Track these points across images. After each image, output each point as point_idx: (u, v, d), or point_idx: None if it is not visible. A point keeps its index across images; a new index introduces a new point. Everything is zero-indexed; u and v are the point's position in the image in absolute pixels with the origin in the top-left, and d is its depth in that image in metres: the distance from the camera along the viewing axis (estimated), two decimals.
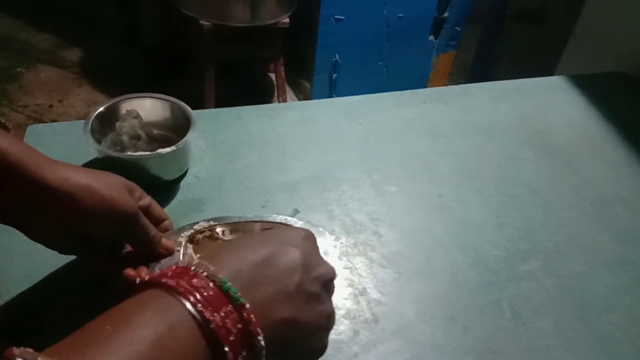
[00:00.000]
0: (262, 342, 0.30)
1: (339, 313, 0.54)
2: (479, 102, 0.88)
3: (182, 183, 0.67)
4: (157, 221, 0.52)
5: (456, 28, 2.09)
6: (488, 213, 0.68)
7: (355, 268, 0.59)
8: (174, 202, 0.64)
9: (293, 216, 0.64)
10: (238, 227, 0.56)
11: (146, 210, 0.50)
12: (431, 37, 2.07)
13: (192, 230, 0.54)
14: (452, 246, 0.63)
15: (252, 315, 0.30)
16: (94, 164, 0.65)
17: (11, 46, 2.31)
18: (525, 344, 0.53)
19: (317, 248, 0.40)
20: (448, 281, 0.59)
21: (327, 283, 0.38)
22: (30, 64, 2.23)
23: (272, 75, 2.11)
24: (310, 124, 0.79)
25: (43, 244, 0.45)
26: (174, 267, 0.32)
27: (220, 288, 0.30)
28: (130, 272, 0.47)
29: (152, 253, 0.49)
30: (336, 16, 1.87)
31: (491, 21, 1.96)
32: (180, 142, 0.62)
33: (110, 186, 0.45)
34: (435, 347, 0.52)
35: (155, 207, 0.52)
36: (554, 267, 0.62)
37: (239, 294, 0.30)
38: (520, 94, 0.90)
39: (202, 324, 0.29)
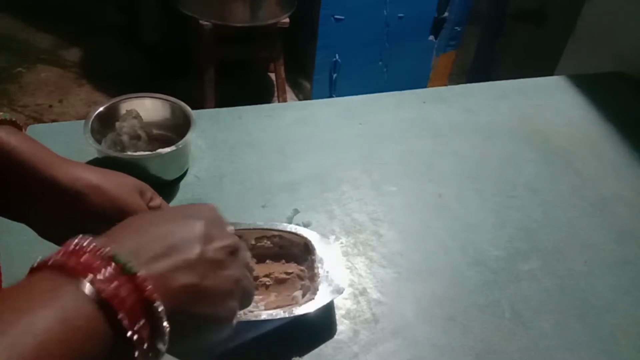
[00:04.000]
0: (161, 308, 0.30)
1: (339, 313, 0.54)
2: (479, 102, 0.88)
3: (182, 183, 0.67)
4: None
5: (456, 28, 2.09)
6: (488, 213, 0.68)
7: (355, 268, 0.59)
8: (174, 202, 0.64)
9: (293, 216, 0.64)
10: (246, 233, 0.56)
11: None
12: (431, 37, 2.07)
13: None
14: (452, 246, 0.63)
15: (146, 283, 0.30)
16: (94, 164, 0.64)
17: (11, 46, 2.31)
18: (525, 344, 0.53)
19: (221, 220, 0.39)
20: (448, 281, 0.59)
21: (233, 252, 0.38)
22: (30, 64, 2.23)
23: (272, 75, 2.11)
24: (310, 124, 0.79)
25: (51, 241, 0.45)
26: (65, 248, 0.31)
27: (111, 261, 0.30)
28: None
29: None
30: (336, 16, 1.87)
31: (491, 21, 1.96)
32: (180, 142, 0.62)
33: (120, 187, 0.45)
34: (435, 347, 0.52)
35: (166, 209, 0.52)
36: (554, 267, 0.62)
37: (130, 264, 0.30)
38: (520, 94, 0.90)
39: (95, 298, 0.28)
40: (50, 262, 0.29)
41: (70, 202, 0.42)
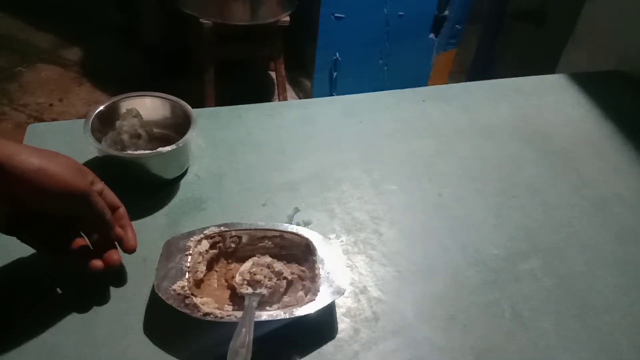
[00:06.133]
0: None
1: (339, 311, 0.54)
2: (479, 100, 0.88)
3: (182, 182, 0.67)
4: (112, 207, 0.52)
5: (456, 26, 2.09)
6: (488, 213, 0.68)
7: (356, 266, 0.59)
8: (175, 201, 0.64)
9: (294, 215, 0.64)
10: (248, 233, 0.56)
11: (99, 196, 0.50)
12: (431, 36, 2.07)
13: (201, 235, 0.54)
14: (452, 246, 0.63)
15: None
16: (94, 163, 0.65)
17: (11, 46, 2.31)
18: (525, 343, 0.53)
19: None
20: (448, 281, 0.59)
21: None
22: (30, 63, 2.23)
23: (273, 74, 2.11)
24: (311, 122, 0.79)
25: None
26: None
27: None
28: (97, 263, 0.49)
29: (108, 238, 0.50)
30: (336, 15, 1.87)
31: (491, 20, 1.96)
32: (180, 141, 0.62)
33: (60, 166, 0.45)
34: (435, 346, 0.52)
35: (109, 193, 0.52)
36: (554, 267, 0.62)
37: None
38: (520, 93, 0.90)
39: None
40: None
41: (10, 181, 0.42)
